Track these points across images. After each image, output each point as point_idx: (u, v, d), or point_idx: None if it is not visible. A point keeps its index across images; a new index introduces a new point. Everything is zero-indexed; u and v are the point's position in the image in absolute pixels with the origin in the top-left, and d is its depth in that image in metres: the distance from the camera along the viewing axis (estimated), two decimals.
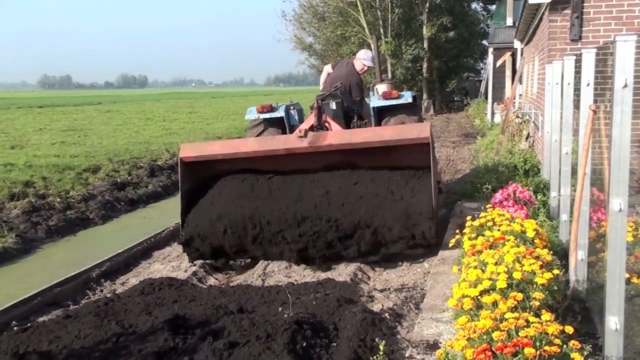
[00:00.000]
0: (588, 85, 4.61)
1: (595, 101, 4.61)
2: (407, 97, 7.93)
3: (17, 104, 54.44)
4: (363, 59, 8.43)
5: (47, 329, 4.39)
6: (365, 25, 32.43)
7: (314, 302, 4.57)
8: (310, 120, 7.53)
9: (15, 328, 4.89)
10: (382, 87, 8.73)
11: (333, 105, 7.90)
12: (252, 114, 8.19)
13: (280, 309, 4.50)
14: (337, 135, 6.98)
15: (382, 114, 8.08)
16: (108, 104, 58.78)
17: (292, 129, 7.84)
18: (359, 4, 32.19)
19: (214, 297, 5.19)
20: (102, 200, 11.51)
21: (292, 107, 8.40)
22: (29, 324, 4.91)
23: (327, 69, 8.78)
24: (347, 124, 7.98)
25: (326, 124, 7.51)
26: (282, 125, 8.21)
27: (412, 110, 8.04)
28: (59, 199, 11.25)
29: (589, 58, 4.64)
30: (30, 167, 13.48)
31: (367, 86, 10.52)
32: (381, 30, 32.90)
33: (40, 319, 5.23)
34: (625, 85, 3.32)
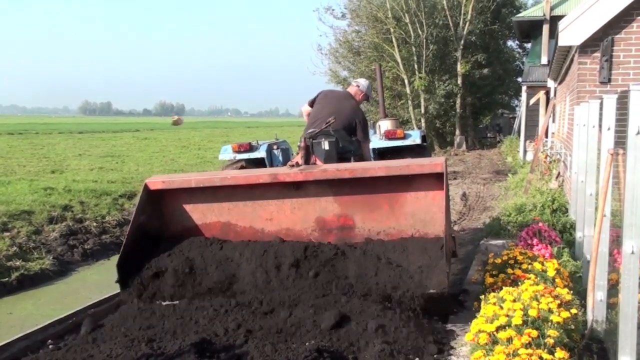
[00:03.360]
0: (609, 129, 4.73)
1: (619, 144, 4.72)
2: (414, 137, 6.86)
3: (58, 129, 56.06)
4: (363, 88, 7.21)
5: (81, 348, 4.62)
6: (399, 60, 32.77)
7: (335, 331, 4.71)
8: (296, 161, 6.25)
9: (50, 346, 5.12)
10: (386, 124, 7.67)
11: (325, 145, 6.54)
12: (227, 154, 7.02)
13: (304, 336, 4.65)
14: (332, 167, 5.72)
15: (384, 157, 6.98)
16: (145, 131, 60.09)
17: None
18: (394, 39, 32.59)
19: (244, 320, 5.33)
20: None
21: (275, 146, 7.26)
22: (63, 343, 5.14)
23: (306, 108, 7.19)
24: None
25: None
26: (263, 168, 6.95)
27: (420, 153, 6.96)
28: (95, 224, 11.65)
29: (610, 103, 4.78)
30: (69, 191, 13.93)
31: (371, 122, 9.50)
32: (415, 66, 33.20)
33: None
34: (639, 132, 3.47)
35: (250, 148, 7.01)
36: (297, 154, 6.44)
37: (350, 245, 5.52)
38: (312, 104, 7.11)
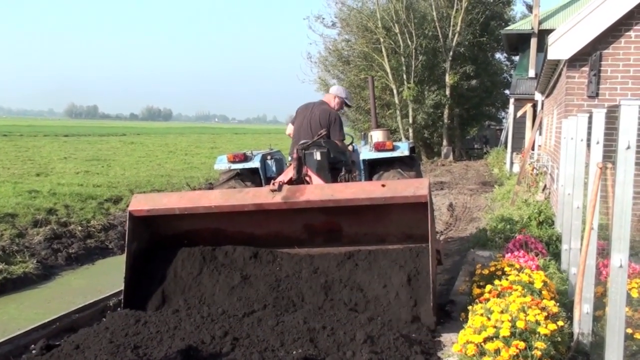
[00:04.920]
0: (597, 143, 4.76)
1: (606, 157, 4.76)
2: (403, 149, 7.05)
3: (44, 132, 55.58)
4: (339, 94, 7.49)
5: (65, 354, 4.56)
6: (389, 70, 32.90)
7: (321, 341, 4.69)
8: (289, 172, 6.54)
9: (33, 351, 5.05)
10: (377, 135, 7.88)
11: (317, 156, 6.74)
12: (223, 164, 7.22)
13: (291, 345, 4.63)
14: (316, 191, 5.82)
15: (374, 168, 7.22)
16: (132, 135, 59.85)
17: (269, 183, 6.49)
18: (383, 49, 32.73)
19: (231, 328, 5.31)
20: (121, 231, 11.76)
21: (269, 157, 7.49)
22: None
23: (290, 130, 7.50)
24: (333, 177, 6.90)
25: (307, 178, 6.51)
26: (257, 178, 7.30)
27: (409, 164, 7.17)
28: (80, 228, 11.55)
29: (599, 117, 4.81)
30: (54, 195, 13.81)
31: (362, 133, 9.91)
32: (404, 76, 33.34)
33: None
34: (629, 147, 3.49)
35: (245, 158, 7.20)
36: (290, 164, 6.69)
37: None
38: (299, 114, 7.38)
